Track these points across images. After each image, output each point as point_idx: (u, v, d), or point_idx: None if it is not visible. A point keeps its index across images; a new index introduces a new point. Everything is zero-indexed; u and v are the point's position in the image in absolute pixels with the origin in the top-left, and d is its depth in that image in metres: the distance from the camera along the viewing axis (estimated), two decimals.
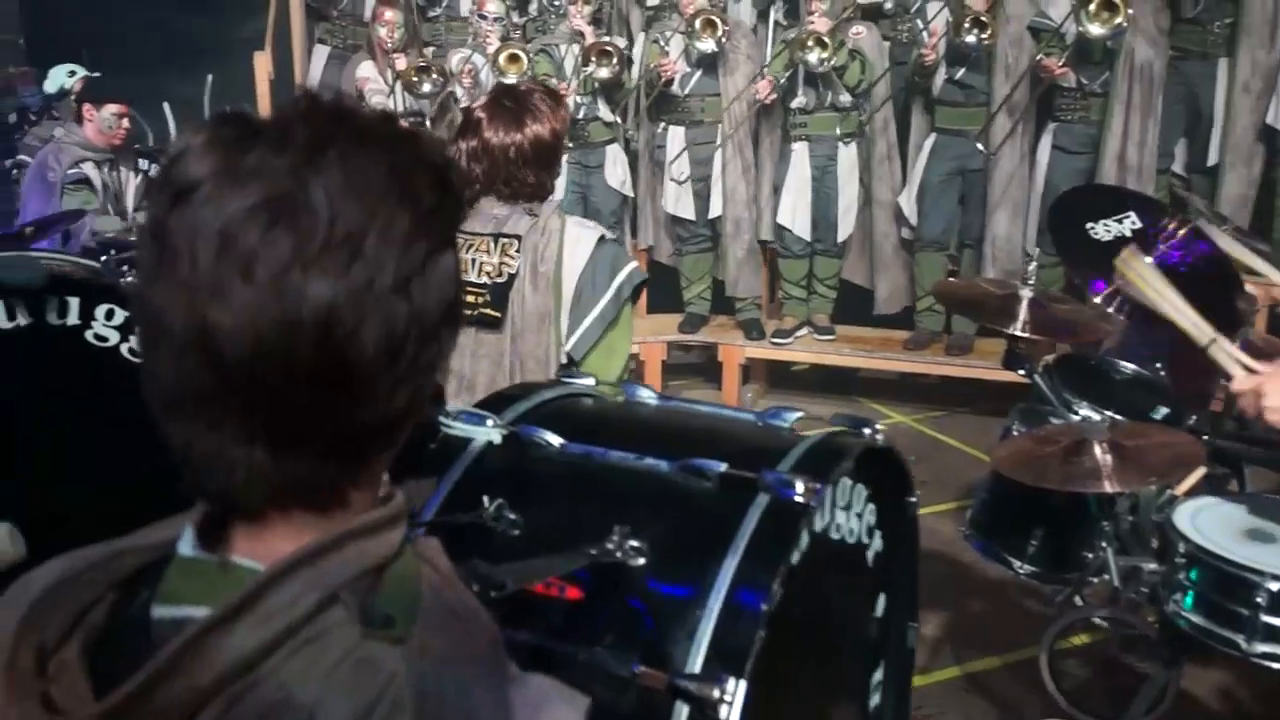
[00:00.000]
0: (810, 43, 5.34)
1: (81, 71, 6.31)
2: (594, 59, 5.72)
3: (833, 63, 5.35)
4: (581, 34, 5.85)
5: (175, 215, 0.70)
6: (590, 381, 1.64)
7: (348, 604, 0.73)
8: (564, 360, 2.34)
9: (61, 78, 6.36)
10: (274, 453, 0.72)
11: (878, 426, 1.53)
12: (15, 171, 5.92)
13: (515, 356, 2.31)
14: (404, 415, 0.75)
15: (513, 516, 1.30)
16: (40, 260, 2.29)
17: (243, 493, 0.73)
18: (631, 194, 6.16)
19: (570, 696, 0.87)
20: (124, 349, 2.25)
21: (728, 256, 5.94)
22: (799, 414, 1.54)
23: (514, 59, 5.77)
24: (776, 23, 5.91)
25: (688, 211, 5.98)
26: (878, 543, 1.58)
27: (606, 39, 5.88)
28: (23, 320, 2.16)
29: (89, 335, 2.23)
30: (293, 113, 0.73)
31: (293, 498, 0.74)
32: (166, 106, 8.22)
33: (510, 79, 5.67)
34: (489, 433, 1.43)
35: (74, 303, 2.20)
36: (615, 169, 6.06)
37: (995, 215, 5.47)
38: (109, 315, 2.23)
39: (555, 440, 1.40)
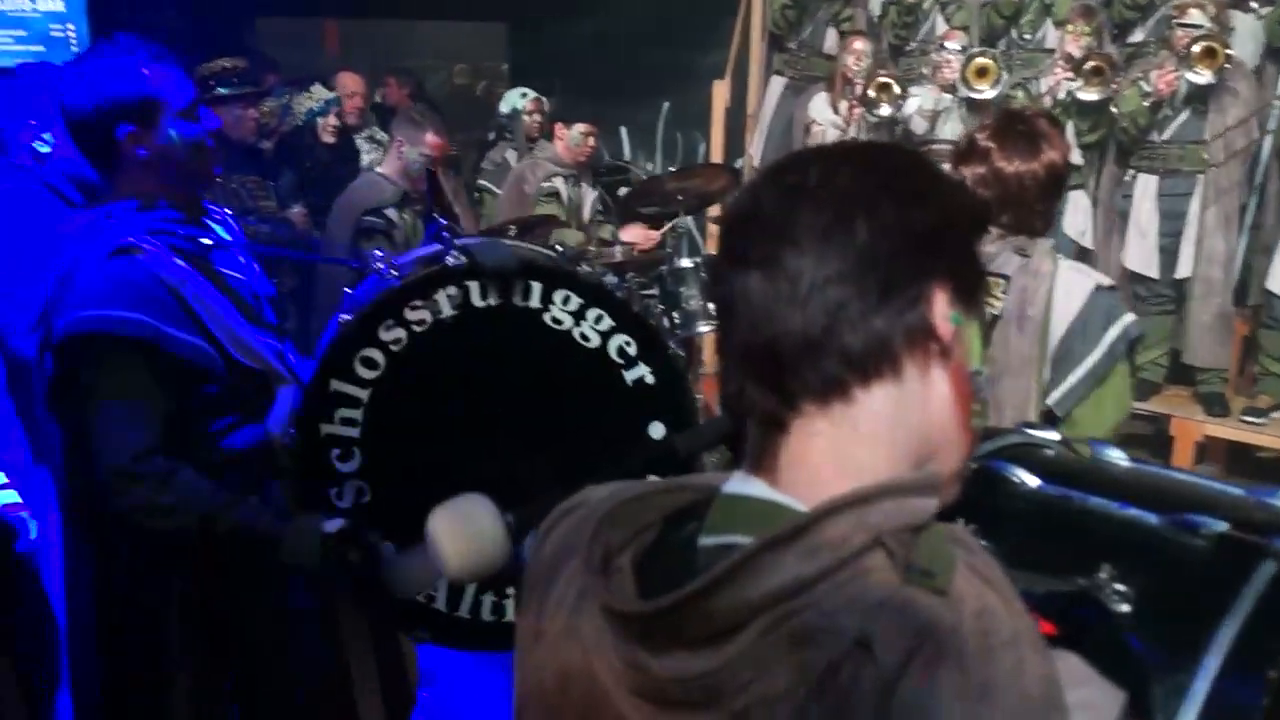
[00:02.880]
0: None
1: (532, 94, 6.76)
2: (1084, 78, 5.35)
3: None
4: (1070, 56, 5.50)
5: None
6: (1055, 435, 1.55)
7: (892, 550, 0.79)
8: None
9: (515, 99, 6.86)
10: (742, 368, 0.86)
11: None
12: (477, 195, 6.43)
13: (993, 399, 2.19)
14: (836, 339, 0.83)
15: (984, 543, 1.23)
16: (510, 245, 2.41)
17: (759, 387, 0.85)
18: (1091, 246, 5.72)
19: (1106, 685, 0.88)
20: (575, 333, 2.34)
21: (1191, 321, 5.34)
22: None
23: (983, 72, 5.55)
24: None
25: (1150, 269, 5.45)
26: None
27: (1102, 53, 5.48)
28: (492, 300, 2.29)
29: (546, 318, 2.33)
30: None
31: (804, 395, 0.84)
32: (624, 131, 8.80)
33: (982, 92, 5.48)
34: None
35: (537, 287, 2.31)
36: (1076, 217, 5.65)
37: None
38: (565, 300, 2.33)
39: (1030, 479, 1.34)
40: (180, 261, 2.19)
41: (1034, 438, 1.53)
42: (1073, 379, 2.19)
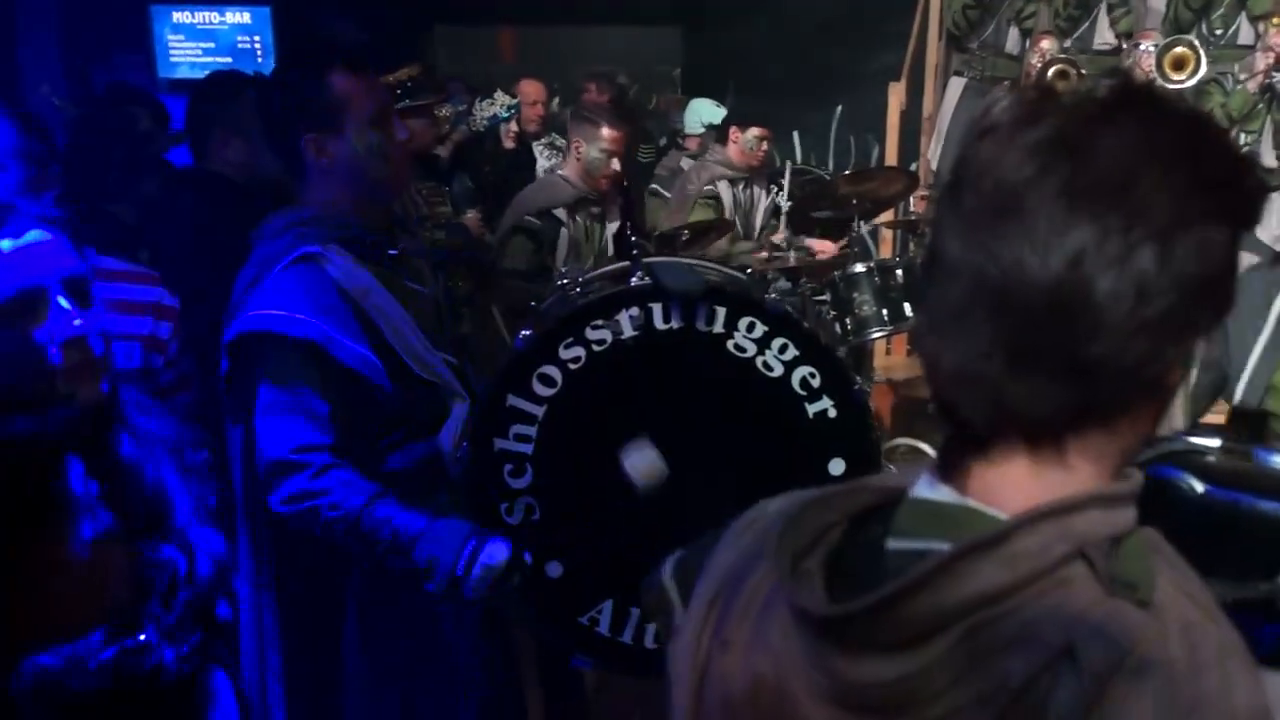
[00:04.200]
0: None
1: (721, 109, 6.76)
2: None
3: None
4: (1272, 48, 5.17)
5: (975, 149, 0.78)
6: (1215, 442, 1.48)
7: (1094, 561, 0.76)
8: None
9: (709, 113, 6.84)
10: (1008, 367, 0.77)
11: None
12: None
13: None
14: (1138, 371, 0.76)
15: None
16: (696, 268, 2.36)
17: (976, 405, 0.79)
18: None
19: None
20: (758, 361, 2.28)
21: None
22: None
23: (1180, 64, 5.25)
24: None
25: None
26: None
27: None
28: (675, 323, 2.25)
29: (729, 344, 2.28)
30: (1104, 84, 0.79)
31: (1014, 424, 0.79)
32: (796, 135, 8.67)
33: (1180, 83, 5.19)
34: None
35: (721, 312, 2.26)
36: (1271, 220, 5.30)
37: None
38: (750, 328, 2.28)
39: (1197, 484, 1.33)
40: (364, 270, 2.20)
41: (1194, 444, 1.48)
42: (1250, 367, 2.04)
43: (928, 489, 0.85)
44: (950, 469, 0.84)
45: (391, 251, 2.30)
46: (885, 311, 4.54)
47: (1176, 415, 2.12)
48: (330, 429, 2.12)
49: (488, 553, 2.10)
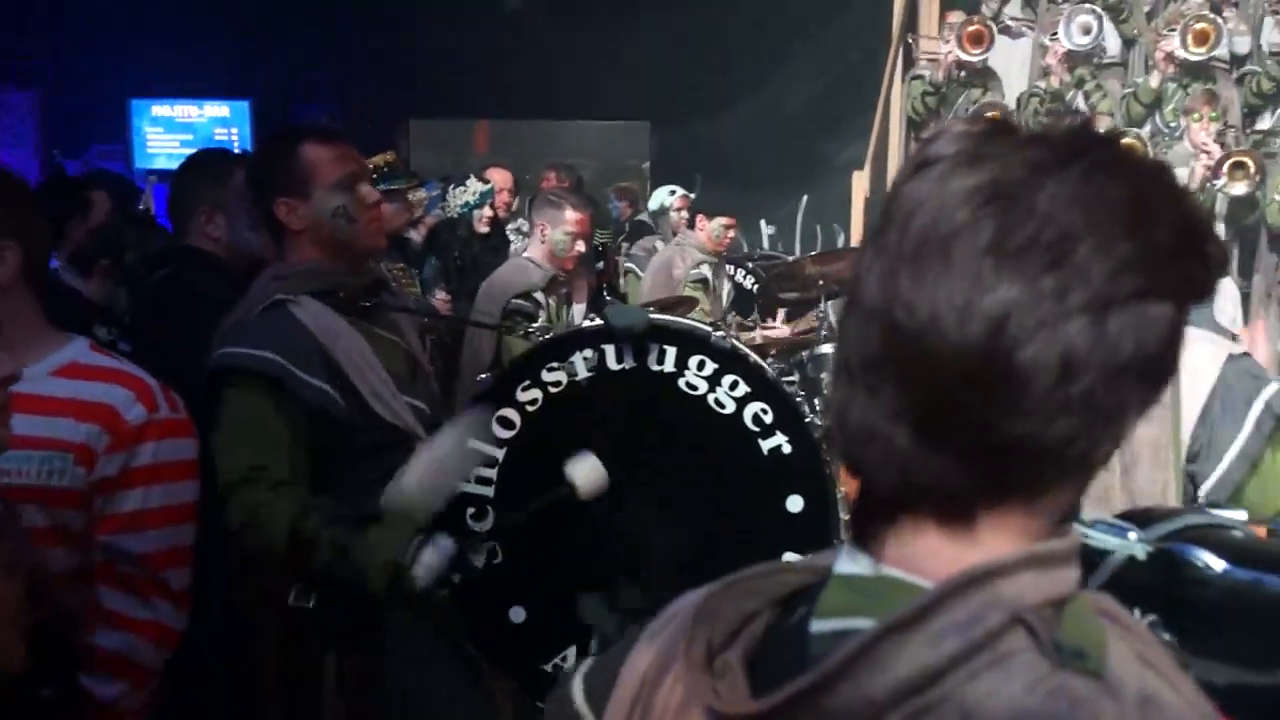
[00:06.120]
0: None
1: (680, 191, 7.05)
2: (1226, 173, 5.22)
3: None
4: (1206, 151, 5.40)
5: (909, 186, 0.72)
6: (1242, 515, 1.43)
7: (1035, 630, 0.68)
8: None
9: (663, 196, 7.16)
10: (916, 436, 0.70)
11: None
12: (623, 275, 6.59)
13: (1126, 494, 1.97)
14: (1061, 451, 0.70)
15: (1167, 637, 1.16)
16: (646, 310, 2.45)
17: (878, 471, 0.72)
18: (1236, 331, 5.50)
19: None
20: (710, 399, 2.34)
21: None
22: None
23: (1202, 38, 5.56)
24: None
25: None
26: None
27: (1242, 149, 5.37)
28: (628, 363, 2.31)
29: (681, 383, 2.34)
30: (1058, 125, 0.72)
31: (921, 496, 0.72)
32: (763, 223, 8.87)
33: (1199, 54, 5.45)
34: (1131, 546, 1.29)
35: (671, 351, 2.33)
36: (1225, 304, 5.44)
37: None
38: (700, 366, 2.34)
39: (1216, 563, 1.24)
40: (336, 317, 2.29)
41: (1217, 518, 1.41)
42: (1223, 466, 1.98)
43: (848, 562, 0.77)
44: (864, 535, 0.76)
45: (365, 303, 2.39)
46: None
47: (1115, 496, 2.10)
48: (286, 457, 2.19)
49: (434, 546, 2.10)
